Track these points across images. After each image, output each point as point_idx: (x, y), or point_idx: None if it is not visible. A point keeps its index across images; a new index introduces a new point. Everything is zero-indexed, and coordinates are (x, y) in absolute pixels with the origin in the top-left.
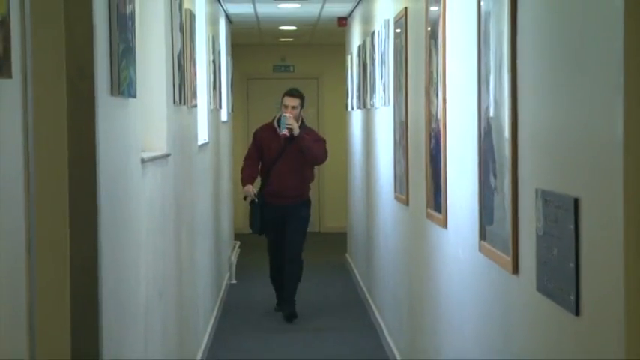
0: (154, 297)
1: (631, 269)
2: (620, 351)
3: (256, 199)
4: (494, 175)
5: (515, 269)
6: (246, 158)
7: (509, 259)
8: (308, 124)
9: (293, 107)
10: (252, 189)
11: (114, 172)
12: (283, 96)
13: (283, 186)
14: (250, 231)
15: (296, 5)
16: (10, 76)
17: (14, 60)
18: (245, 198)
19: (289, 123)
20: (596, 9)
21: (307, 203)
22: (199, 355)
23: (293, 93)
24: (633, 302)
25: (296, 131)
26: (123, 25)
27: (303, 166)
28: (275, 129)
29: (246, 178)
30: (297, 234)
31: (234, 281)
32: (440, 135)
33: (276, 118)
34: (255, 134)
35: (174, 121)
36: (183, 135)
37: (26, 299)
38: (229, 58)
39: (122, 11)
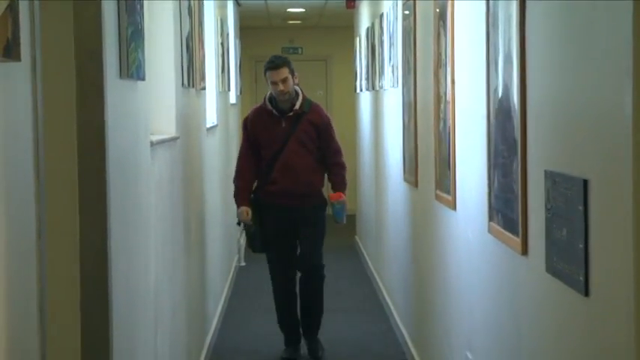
0: (164, 280)
1: None
2: (629, 331)
3: (252, 219)
4: (503, 157)
5: (525, 250)
6: (240, 158)
7: (518, 240)
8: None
9: (283, 81)
10: (249, 213)
11: (123, 155)
12: (266, 72)
13: (292, 183)
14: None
15: None
16: (19, 59)
17: (23, 43)
18: (239, 223)
19: (344, 208)
20: None
21: (323, 202)
22: (209, 337)
23: (276, 64)
24: None
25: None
26: (131, 8)
27: (315, 154)
28: (271, 111)
29: (241, 193)
30: (316, 244)
31: (243, 264)
32: (449, 116)
33: (267, 97)
34: (245, 123)
35: (183, 104)
36: (191, 117)
37: (36, 283)
38: (237, 41)
39: None
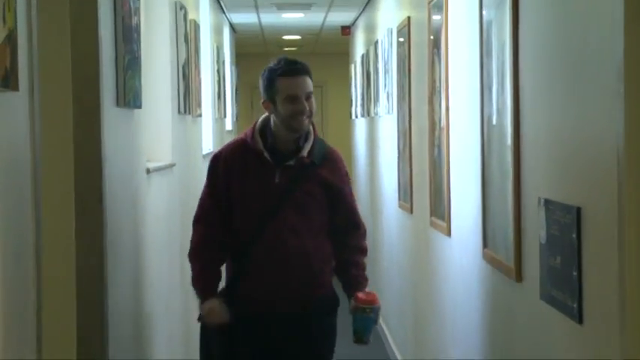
0: (160, 308)
1: (633, 278)
2: (622, 359)
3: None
4: (498, 184)
5: (519, 277)
6: (198, 221)
7: (512, 267)
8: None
9: (308, 97)
10: (220, 307)
11: (120, 183)
12: (278, 79)
13: (284, 279)
14: None
15: (300, 15)
16: (17, 89)
17: (21, 73)
18: (200, 319)
19: (376, 318)
20: (597, 19)
21: (334, 305)
22: None
23: (299, 69)
24: (635, 311)
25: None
26: (128, 37)
27: (324, 230)
28: (259, 152)
29: (203, 277)
30: None
31: None
32: (443, 143)
33: (257, 126)
34: (214, 165)
35: (179, 131)
36: (188, 144)
37: (33, 309)
38: (234, 68)
39: (127, 23)
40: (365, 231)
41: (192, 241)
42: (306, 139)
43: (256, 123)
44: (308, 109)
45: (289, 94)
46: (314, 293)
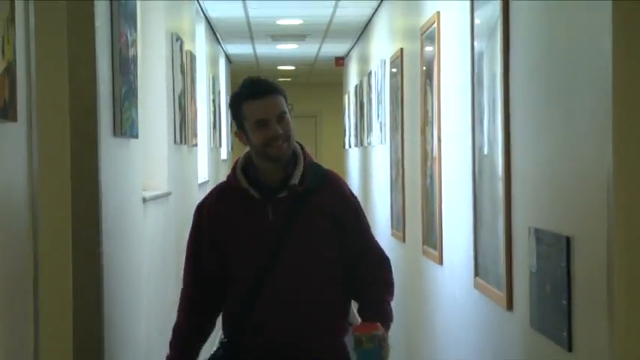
0: (155, 334)
1: (622, 306)
2: None
3: None
4: (489, 213)
5: (510, 306)
6: (185, 286)
7: (503, 295)
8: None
9: (280, 118)
10: None
11: (116, 212)
12: (243, 103)
13: (290, 329)
14: None
15: (294, 46)
16: (15, 119)
17: (20, 104)
18: None
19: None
20: (587, 51)
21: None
22: None
23: (265, 88)
24: (623, 339)
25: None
26: (125, 68)
27: (334, 270)
28: (245, 190)
29: (177, 344)
30: None
31: None
32: (435, 173)
33: (239, 164)
34: (197, 217)
35: (175, 161)
36: (183, 174)
37: (31, 337)
38: (229, 98)
39: (124, 54)
40: (385, 260)
41: (176, 317)
42: (295, 166)
43: (237, 161)
44: (282, 132)
45: (257, 118)
46: (319, 348)
